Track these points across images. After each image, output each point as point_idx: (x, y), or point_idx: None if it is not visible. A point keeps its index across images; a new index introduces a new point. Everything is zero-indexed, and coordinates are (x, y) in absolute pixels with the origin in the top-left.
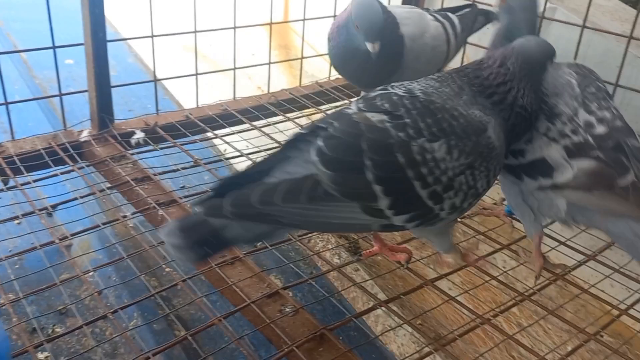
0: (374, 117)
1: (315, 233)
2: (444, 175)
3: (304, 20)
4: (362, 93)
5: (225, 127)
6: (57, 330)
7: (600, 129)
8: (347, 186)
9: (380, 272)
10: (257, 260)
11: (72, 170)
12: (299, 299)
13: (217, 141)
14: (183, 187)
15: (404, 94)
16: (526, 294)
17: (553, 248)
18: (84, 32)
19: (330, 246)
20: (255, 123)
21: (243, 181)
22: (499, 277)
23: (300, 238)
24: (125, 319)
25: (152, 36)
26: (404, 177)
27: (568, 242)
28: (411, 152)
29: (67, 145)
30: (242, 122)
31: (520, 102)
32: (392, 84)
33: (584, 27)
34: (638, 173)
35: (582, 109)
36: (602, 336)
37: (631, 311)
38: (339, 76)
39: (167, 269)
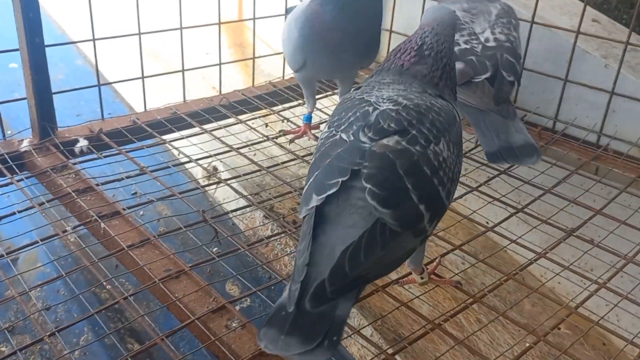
0: (390, 141)
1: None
2: (450, 172)
3: (254, 19)
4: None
5: (174, 131)
6: (3, 349)
7: (490, 44)
8: (404, 218)
9: None
10: (213, 268)
11: (11, 183)
12: (257, 305)
13: (168, 146)
14: (135, 194)
15: (395, 107)
16: (478, 295)
17: (505, 247)
18: (18, 37)
19: (288, 249)
20: (206, 126)
21: (312, 259)
22: (456, 277)
23: (255, 245)
24: (76, 333)
25: (94, 39)
26: (433, 186)
27: (519, 240)
28: (431, 160)
29: (6, 156)
30: (192, 126)
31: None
32: (362, 95)
33: (532, 22)
34: (494, 74)
35: (488, 30)
36: (559, 328)
37: (584, 307)
38: (293, 75)
39: (108, 286)
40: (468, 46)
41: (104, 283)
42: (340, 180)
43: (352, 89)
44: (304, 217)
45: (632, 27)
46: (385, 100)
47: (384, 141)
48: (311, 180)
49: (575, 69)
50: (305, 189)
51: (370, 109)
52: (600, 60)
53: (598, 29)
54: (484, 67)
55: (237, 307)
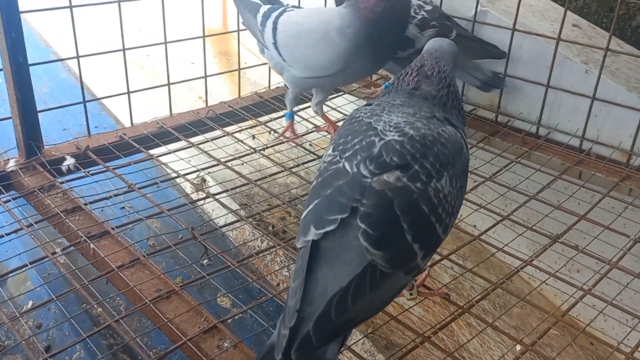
0: (390, 177)
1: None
2: (450, 207)
3: (238, 31)
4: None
5: (161, 145)
6: None
7: (427, 8)
8: (396, 259)
9: None
10: (203, 281)
11: None
12: (249, 316)
13: (155, 162)
14: (123, 208)
15: (400, 138)
16: (466, 306)
17: (492, 254)
18: (1, 57)
19: (278, 259)
20: (193, 139)
21: (301, 305)
22: (445, 286)
23: (244, 261)
24: (68, 351)
25: (78, 57)
26: (430, 224)
27: (506, 248)
28: (430, 198)
29: None
30: (180, 140)
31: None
32: (370, 120)
33: (514, 30)
34: (459, 31)
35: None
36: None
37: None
38: (279, 85)
39: (99, 309)
40: (421, 16)
41: (95, 305)
42: (339, 217)
43: (363, 106)
44: (300, 248)
45: (611, 32)
46: (392, 129)
47: (385, 177)
48: (311, 208)
49: (557, 74)
50: (304, 216)
51: (377, 139)
52: (581, 66)
53: (578, 34)
54: (448, 27)
55: (230, 320)
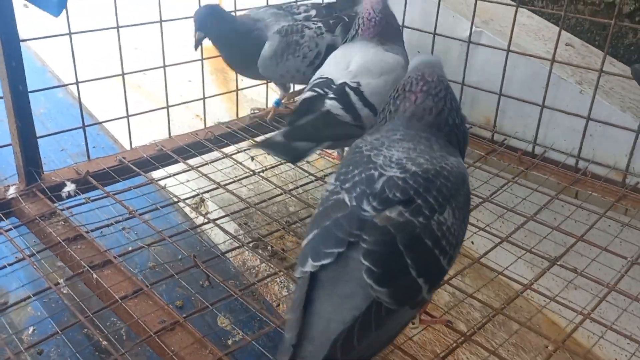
0: (393, 212)
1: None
2: (453, 238)
3: None
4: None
5: (160, 168)
6: None
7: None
8: (401, 295)
9: None
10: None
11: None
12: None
13: (155, 185)
14: (123, 229)
15: (402, 175)
16: (468, 333)
17: (492, 279)
18: (1, 86)
19: (278, 279)
20: (192, 162)
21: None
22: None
23: (246, 290)
24: None
25: (77, 82)
26: (434, 257)
27: (506, 272)
28: (434, 231)
29: None
30: (179, 162)
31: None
32: (370, 153)
33: (509, 51)
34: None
35: None
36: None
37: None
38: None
39: (105, 342)
40: None
41: (100, 339)
42: (336, 251)
43: (364, 136)
44: (299, 278)
45: (605, 52)
46: (393, 165)
47: (387, 212)
48: (310, 238)
49: (552, 94)
50: (304, 244)
51: (376, 174)
52: (576, 86)
53: (572, 54)
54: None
55: (230, 341)
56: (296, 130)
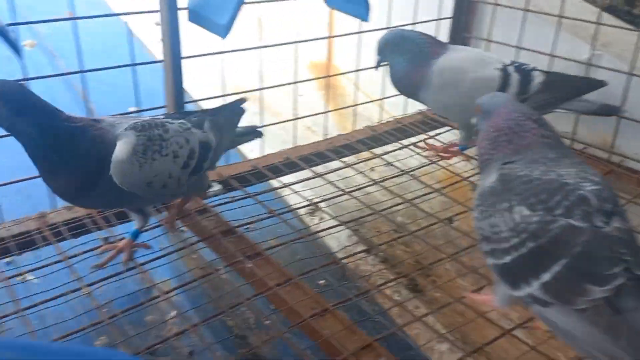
0: (617, 223)
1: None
2: None
3: (357, 70)
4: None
5: (287, 174)
6: None
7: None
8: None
9: (440, 307)
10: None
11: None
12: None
13: (280, 191)
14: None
15: (595, 187)
16: None
17: None
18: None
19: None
20: (316, 169)
21: None
22: None
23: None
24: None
25: (222, 95)
26: None
27: None
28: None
29: None
30: (303, 169)
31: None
32: (551, 177)
33: (630, 74)
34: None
35: None
36: None
37: None
38: (391, 119)
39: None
40: None
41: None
42: (619, 270)
43: (504, 166)
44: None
45: None
46: (580, 180)
47: (616, 224)
48: (558, 271)
49: None
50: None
51: (581, 192)
52: None
53: None
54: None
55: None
56: None
